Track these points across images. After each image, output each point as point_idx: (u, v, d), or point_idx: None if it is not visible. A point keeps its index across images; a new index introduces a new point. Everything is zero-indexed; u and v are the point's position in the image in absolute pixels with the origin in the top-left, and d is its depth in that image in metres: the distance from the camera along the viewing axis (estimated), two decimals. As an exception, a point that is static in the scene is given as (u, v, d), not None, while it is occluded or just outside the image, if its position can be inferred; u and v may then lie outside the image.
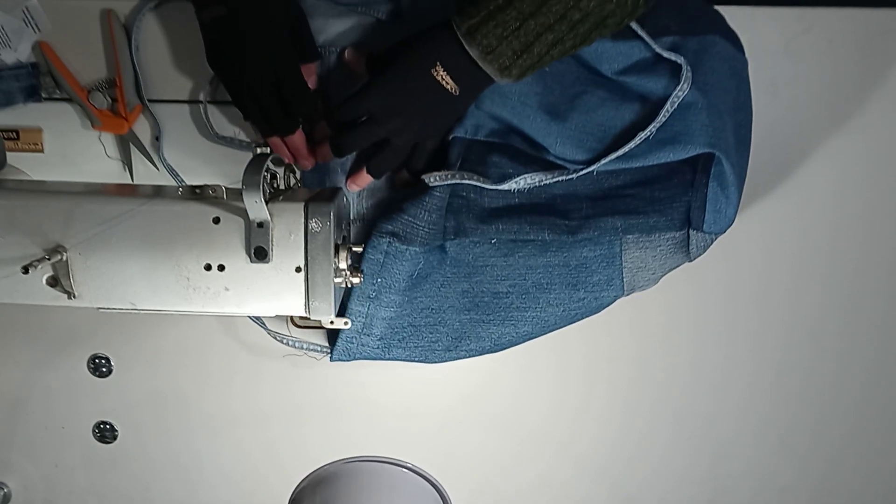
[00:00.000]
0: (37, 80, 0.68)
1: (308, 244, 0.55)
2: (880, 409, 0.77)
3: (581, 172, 0.62)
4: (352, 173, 0.67)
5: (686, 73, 0.59)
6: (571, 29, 0.53)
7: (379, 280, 0.67)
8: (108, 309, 0.58)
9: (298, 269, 0.55)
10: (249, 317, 0.71)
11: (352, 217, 0.70)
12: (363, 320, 0.69)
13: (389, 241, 0.65)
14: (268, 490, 0.82)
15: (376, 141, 0.60)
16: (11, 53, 0.66)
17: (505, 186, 0.64)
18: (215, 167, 0.70)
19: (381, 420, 0.78)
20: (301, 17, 0.62)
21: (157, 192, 0.58)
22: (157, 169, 0.70)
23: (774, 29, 0.67)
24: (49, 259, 0.54)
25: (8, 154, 0.68)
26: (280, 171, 0.59)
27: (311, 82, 0.64)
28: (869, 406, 0.77)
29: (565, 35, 0.53)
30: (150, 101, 0.68)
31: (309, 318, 0.57)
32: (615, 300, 0.68)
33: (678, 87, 0.59)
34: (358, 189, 0.67)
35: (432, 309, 0.70)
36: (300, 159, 0.65)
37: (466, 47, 0.54)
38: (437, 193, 0.65)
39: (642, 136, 0.60)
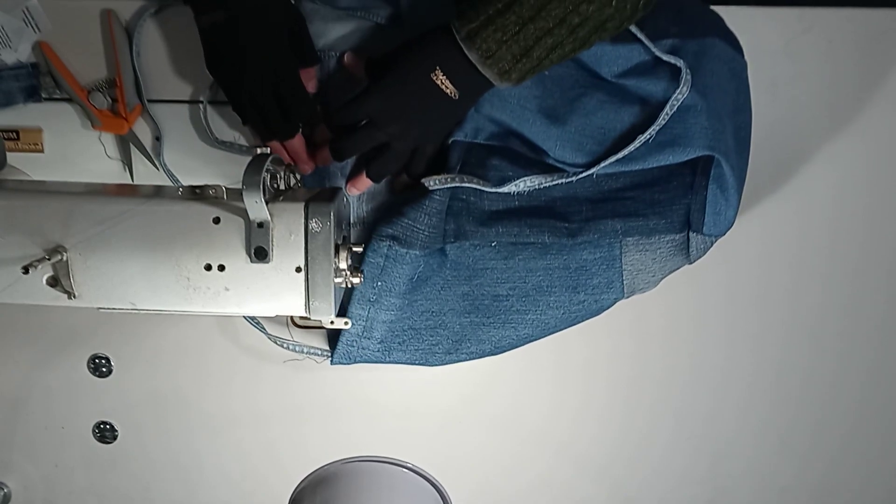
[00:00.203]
0: (37, 80, 0.68)
1: (308, 244, 0.55)
2: (880, 410, 0.77)
3: (581, 175, 0.62)
4: (351, 177, 0.67)
5: (685, 75, 0.59)
6: (571, 33, 0.52)
7: (379, 283, 0.67)
8: (108, 309, 0.58)
9: (298, 269, 0.55)
10: (250, 322, 0.71)
11: (352, 221, 0.70)
12: (363, 324, 0.69)
13: (389, 245, 0.65)
14: (268, 490, 0.82)
15: (376, 145, 0.60)
16: (11, 53, 0.66)
17: (505, 189, 0.64)
18: (215, 167, 0.70)
19: (381, 420, 0.78)
20: (300, 22, 0.62)
21: (157, 192, 0.58)
22: (158, 169, 0.70)
23: (774, 29, 0.67)
24: (49, 259, 0.54)
25: (8, 154, 0.68)
26: (280, 171, 0.59)
27: (311, 86, 0.64)
28: (869, 406, 0.77)
29: (564, 39, 0.53)
30: (149, 101, 0.68)
31: (309, 318, 0.57)
32: (615, 302, 0.68)
33: (678, 90, 0.59)
34: (358, 193, 0.67)
35: (432, 312, 0.70)
36: (300, 163, 0.65)
37: (466, 52, 0.54)
38: (437, 197, 0.65)
39: (642, 139, 0.60)
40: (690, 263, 0.66)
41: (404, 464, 0.80)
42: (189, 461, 0.81)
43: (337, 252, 0.56)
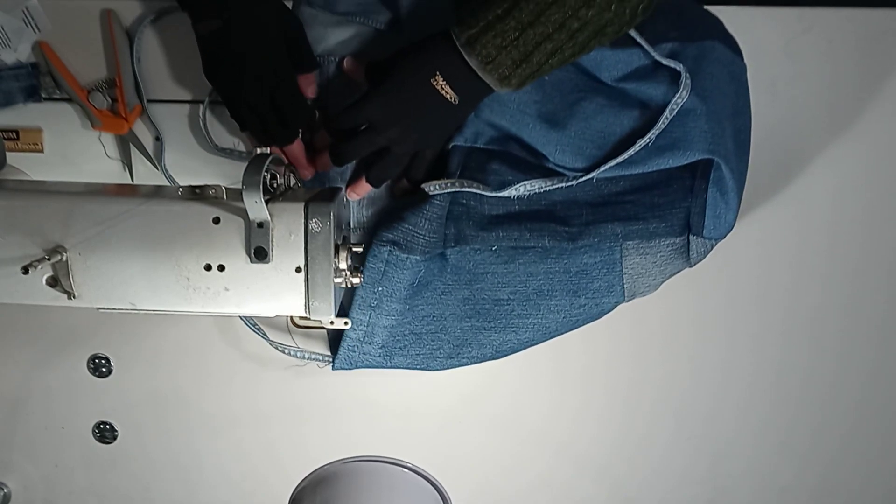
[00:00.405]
0: (37, 80, 0.68)
1: (308, 244, 0.55)
2: (880, 410, 0.77)
3: (581, 179, 0.62)
4: (351, 182, 0.67)
5: (685, 79, 0.59)
6: (570, 38, 0.52)
7: (380, 289, 0.67)
8: (108, 309, 0.58)
9: (298, 270, 0.55)
10: (252, 328, 0.71)
11: (352, 226, 0.70)
12: (364, 329, 0.69)
13: (390, 250, 0.65)
14: (268, 490, 0.82)
15: (376, 150, 0.60)
16: (11, 53, 0.66)
17: (505, 193, 0.64)
18: (215, 168, 0.70)
19: (381, 420, 0.78)
20: (298, 28, 0.62)
21: (157, 192, 0.58)
22: (157, 169, 0.70)
23: (774, 29, 0.67)
24: (49, 259, 0.54)
25: (8, 154, 0.68)
26: (280, 171, 0.59)
27: (311, 91, 0.64)
28: (869, 406, 0.77)
29: (564, 44, 0.53)
30: (149, 101, 0.68)
31: (309, 318, 0.57)
32: (616, 306, 0.68)
33: (677, 94, 0.59)
34: (358, 198, 0.67)
35: (433, 317, 0.70)
36: (299, 169, 0.65)
37: (466, 57, 0.54)
38: (437, 202, 0.65)
39: (642, 142, 0.60)
40: (691, 266, 0.66)
41: (404, 464, 0.80)
42: (189, 461, 0.81)
43: (337, 252, 0.56)
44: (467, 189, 0.64)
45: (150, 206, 0.55)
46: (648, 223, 0.65)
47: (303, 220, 0.54)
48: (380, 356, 0.71)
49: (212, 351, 0.76)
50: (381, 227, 0.67)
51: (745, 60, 0.63)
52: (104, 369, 0.77)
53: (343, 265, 0.56)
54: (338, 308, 0.58)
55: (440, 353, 0.70)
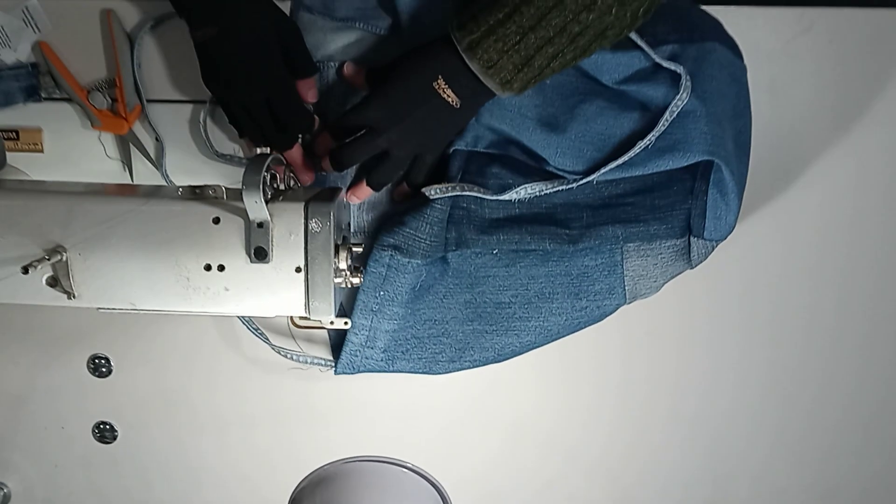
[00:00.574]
0: (37, 80, 0.67)
1: (308, 244, 0.55)
2: (880, 410, 0.77)
3: (581, 182, 0.62)
4: (352, 186, 0.67)
5: (685, 81, 0.59)
6: (571, 41, 0.52)
7: (381, 293, 0.67)
8: (108, 309, 0.58)
9: (298, 270, 0.55)
10: (254, 332, 0.71)
11: (352, 230, 0.70)
12: (367, 333, 0.69)
13: (391, 255, 0.65)
14: (268, 490, 0.82)
15: (376, 153, 0.60)
16: (11, 53, 0.66)
17: (505, 197, 0.64)
18: (215, 168, 0.70)
19: (381, 420, 0.78)
20: (295, 34, 0.62)
21: (157, 192, 0.58)
22: (157, 169, 0.70)
23: (774, 29, 0.67)
24: (49, 259, 0.54)
25: (8, 154, 0.68)
26: (280, 171, 0.59)
27: (311, 96, 0.64)
28: (869, 406, 0.77)
29: (565, 48, 0.53)
30: (149, 101, 0.68)
31: (309, 318, 0.57)
32: (617, 308, 0.68)
33: (677, 96, 0.59)
34: (358, 201, 0.67)
35: (435, 320, 0.70)
36: (299, 174, 0.65)
37: (467, 62, 0.54)
38: (438, 206, 0.65)
39: (642, 144, 0.60)
40: (692, 268, 0.66)
41: (404, 464, 0.80)
42: (189, 461, 0.81)
43: (337, 252, 0.56)
44: (468, 193, 0.64)
45: (149, 206, 0.55)
46: (649, 225, 0.65)
47: (303, 220, 0.54)
48: (382, 360, 0.71)
49: (212, 351, 0.76)
50: (382, 232, 0.67)
51: (745, 61, 0.63)
52: (104, 369, 0.77)
53: (343, 265, 0.56)
54: (338, 308, 0.58)
55: (442, 356, 0.70)
